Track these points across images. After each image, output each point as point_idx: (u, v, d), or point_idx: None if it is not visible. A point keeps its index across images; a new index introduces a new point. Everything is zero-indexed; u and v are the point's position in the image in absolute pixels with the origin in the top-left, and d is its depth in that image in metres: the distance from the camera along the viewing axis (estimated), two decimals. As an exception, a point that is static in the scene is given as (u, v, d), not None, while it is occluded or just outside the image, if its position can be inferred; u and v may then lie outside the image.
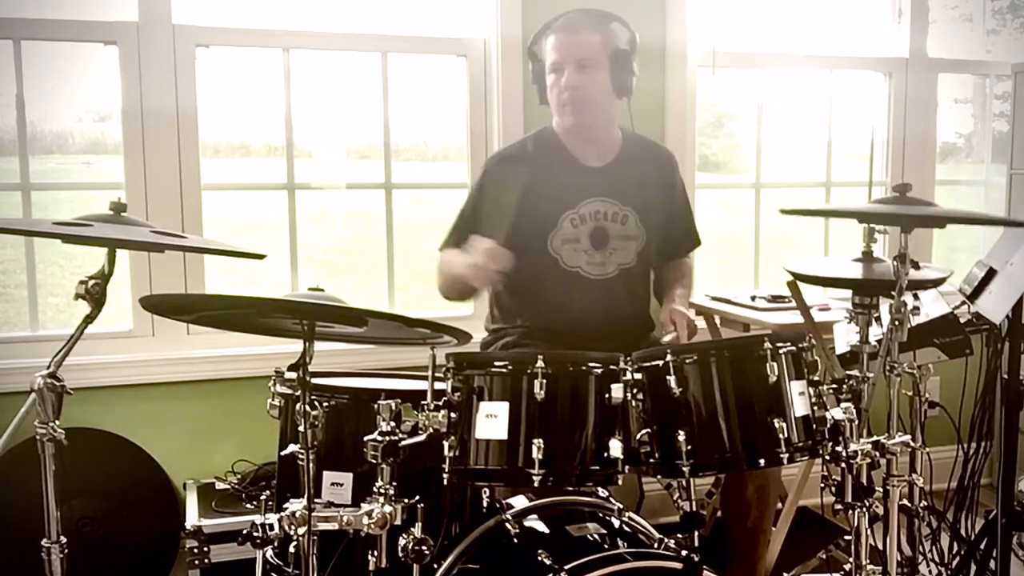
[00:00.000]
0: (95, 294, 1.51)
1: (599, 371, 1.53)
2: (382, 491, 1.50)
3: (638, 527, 1.79)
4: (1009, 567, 2.10)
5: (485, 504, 1.87)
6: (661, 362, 1.53)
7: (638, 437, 1.53)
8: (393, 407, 1.53)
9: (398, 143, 2.98)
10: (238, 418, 2.72)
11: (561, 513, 1.80)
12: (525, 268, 2.38)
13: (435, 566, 1.66)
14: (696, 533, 1.66)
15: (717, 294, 2.92)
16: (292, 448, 1.58)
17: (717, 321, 2.89)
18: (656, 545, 1.69)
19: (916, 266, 1.71)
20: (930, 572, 2.37)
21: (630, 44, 2.35)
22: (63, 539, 1.51)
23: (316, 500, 1.52)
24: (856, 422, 1.60)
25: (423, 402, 1.53)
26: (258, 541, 1.46)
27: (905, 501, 2.02)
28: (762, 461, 1.54)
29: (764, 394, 1.52)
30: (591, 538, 1.70)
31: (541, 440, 1.47)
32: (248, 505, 2.47)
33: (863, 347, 1.81)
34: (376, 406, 1.53)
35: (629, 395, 1.53)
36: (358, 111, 3.07)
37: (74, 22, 2.60)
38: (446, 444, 1.52)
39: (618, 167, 2.41)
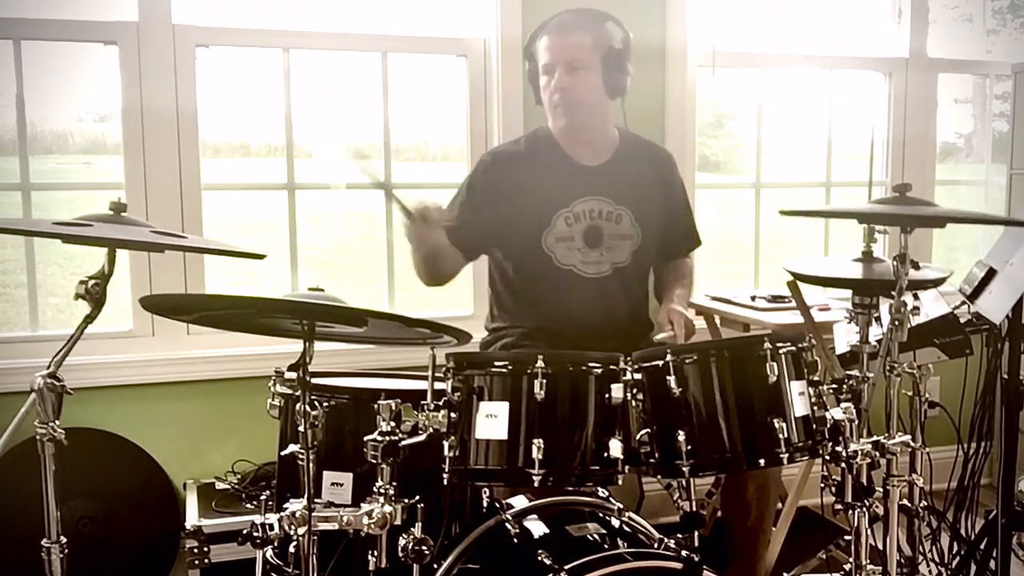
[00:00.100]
0: (95, 294, 1.51)
1: (599, 371, 1.53)
2: (382, 491, 1.50)
3: (638, 527, 1.79)
4: (1009, 567, 2.10)
5: (485, 504, 1.87)
6: (661, 362, 1.53)
7: (638, 437, 1.53)
8: (393, 407, 1.52)
9: (398, 143, 2.98)
10: (238, 418, 2.72)
11: (561, 513, 1.80)
12: (520, 266, 2.40)
13: (435, 566, 1.66)
14: (696, 533, 1.66)
15: (717, 294, 2.92)
16: (292, 448, 1.58)
17: (717, 321, 2.89)
18: (656, 545, 1.69)
19: (916, 266, 1.71)
20: (930, 572, 2.37)
21: (624, 44, 2.33)
22: (63, 539, 1.51)
23: (316, 500, 1.51)
24: (856, 422, 1.60)
25: (423, 402, 1.53)
26: (258, 541, 1.46)
27: (905, 501, 2.02)
28: (762, 461, 1.54)
29: (764, 394, 1.52)
30: (591, 538, 1.70)
31: (541, 440, 1.47)
32: (248, 505, 2.47)
33: (863, 347, 1.81)
34: (376, 406, 1.53)
35: (629, 395, 1.53)
36: (358, 111, 3.07)
37: (74, 22, 2.60)
38: (446, 444, 1.52)
39: (613, 166, 2.40)
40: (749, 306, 2.76)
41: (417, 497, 1.53)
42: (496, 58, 2.87)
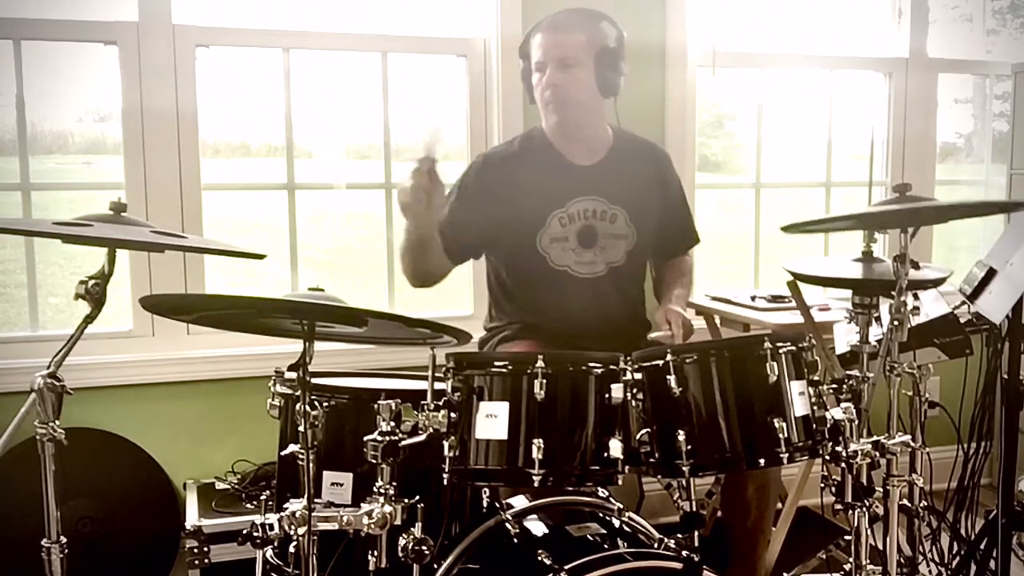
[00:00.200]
0: (95, 294, 1.51)
1: (599, 371, 1.53)
2: (382, 491, 1.50)
3: (638, 527, 1.79)
4: (1009, 567, 2.10)
5: (485, 504, 1.87)
6: (661, 362, 1.53)
7: (638, 437, 1.53)
8: (393, 407, 1.52)
9: (398, 143, 2.97)
10: (238, 418, 2.72)
11: (561, 513, 1.80)
12: (514, 268, 2.39)
13: (435, 566, 1.66)
14: (696, 533, 1.65)
15: (717, 294, 2.92)
16: (292, 448, 1.58)
17: (717, 321, 2.89)
18: (656, 545, 1.69)
19: (916, 266, 1.72)
20: (930, 572, 2.37)
21: (618, 43, 2.32)
22: (63, 539, 1.51)
23: (316, 500, 1.51)
24: (856, 422, 1.59)
25: (423, 402, 1.52)
26: (258, 541, 1.46)
27: (905, 501, 2.02)
28: (762, 461, 1.54)
29: (764, 394, 1.52)
30: (591, 538, 1.70)
31: (541, 440, 1.47)
32: (248, 505, 2.47)
33: (863, 347, 1.81)
34: (376, 406, 1.53)
35: (629, 395, 1.53)
36: (358, 111, 3.07)
37: (74, 22, 2.60)
38: (446, 444, 1.52)
39: (607, 165, 2.40)
40: (749, 306, 2.76)
41: (417, 497, 1.53)
42: (496, 58, 2.87)
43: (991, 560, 2.15)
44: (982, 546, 2.21)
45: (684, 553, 1.60)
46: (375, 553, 1.52)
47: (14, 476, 2.31)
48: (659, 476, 1.59)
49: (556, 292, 2.34)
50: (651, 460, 1.54)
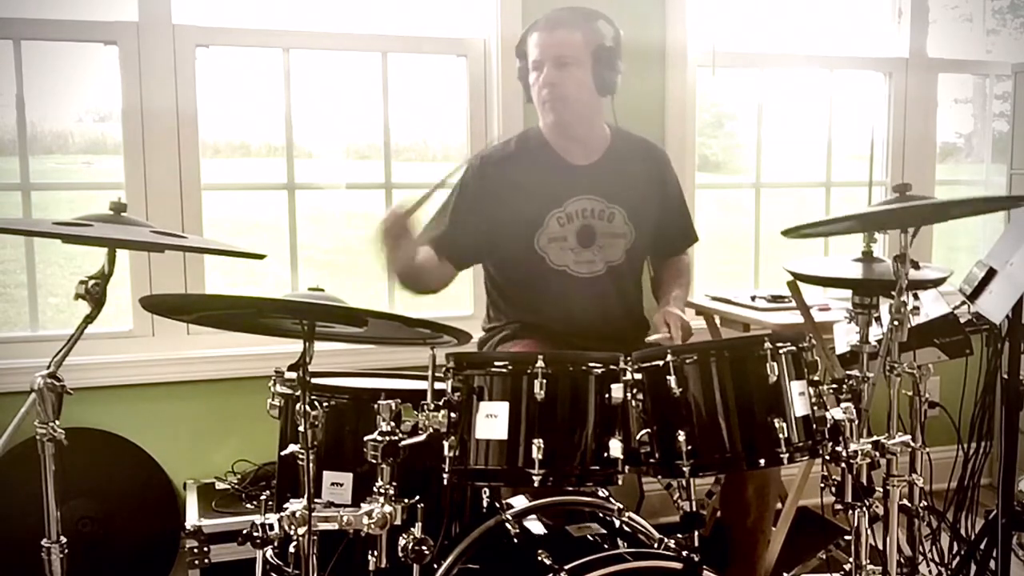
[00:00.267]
0: (95, 294, 1.51)
1: (599, 371, 1.53)
2: (382, 491, 1.50)
3: (638, 527, 1.79)
4: (1009, 567, 2.10)
5: (485, 504, 1.87)
6: (661, 362, 1.53)
7: (638, 437, 1.53)
8: (393, 407, 1.52)
9: (398, 143, 2.98)
10: (238, 418, 2.72)
11: (561, 513, 1.80)
12: (513, 269, 2.39)
13: (435, 566, 1.66)
14: (696, 533, 1.65)
15: (717, 294, 2.92)
16: (292, 448, 1.58)
17: (717, 321, 2.89)
18: (656, 545, 1.69)
19: (916, 266, 1.72)
20: (930, 572, 2.37)
21: (615, 42, 2.32)
22: (63, 539, 1.52)
23: (316, 500, 1.51)
24: (856, 422, 1.59)
25: (423, 402, 1.52)
26: (258, 541, 1.46)
27: (905, 501, 2.02)
28: (762, 461, 1.54)
29: (764, 394, 1.52)
30: (591, 538, 1.70)
31: (541, 440, 1.47)
32: (248, 505, 2.47)
33: (863, 347, 1.81)
34: (376, 406, 1.53)
35: (629, 395, 1.53)
36: (358, 111, 3.07)
37: (74, 22, 2.60)
38: (446, 444, 1.52)
39: (605, 164, 2.40)
40: (749, 306, 2.76)
41: (417, 497, 1.53)
42: (496, 58, 2.86)
43: (991, 560, 2.15)
44: (982, 546, 2.21)
45: (684, 553, 1.60)
46: (375, 553, 1.52)
47: (14, 476, 2.31)
48: (659, 476, 1.59)
49: (555, 291, 2.34)
50: (651, 460, 1.53)
